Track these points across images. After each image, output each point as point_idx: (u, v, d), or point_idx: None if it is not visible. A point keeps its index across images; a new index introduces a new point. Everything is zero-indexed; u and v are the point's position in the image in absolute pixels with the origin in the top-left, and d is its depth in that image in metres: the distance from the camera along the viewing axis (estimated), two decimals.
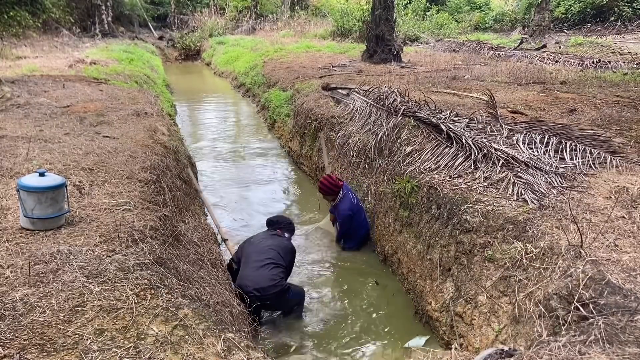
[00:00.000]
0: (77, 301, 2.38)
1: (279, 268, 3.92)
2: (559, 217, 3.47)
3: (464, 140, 4.96)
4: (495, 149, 4.68)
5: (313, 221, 6.19)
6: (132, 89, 9.33)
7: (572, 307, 2.64)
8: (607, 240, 3.12)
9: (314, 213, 6.39)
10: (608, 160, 4.48)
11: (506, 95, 8.06)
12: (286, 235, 4.39)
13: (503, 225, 3.59)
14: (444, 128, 5.30)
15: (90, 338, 2.12)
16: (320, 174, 7.20)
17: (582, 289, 2.69)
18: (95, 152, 4.77)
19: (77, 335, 2.14)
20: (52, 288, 2.47)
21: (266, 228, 4.52)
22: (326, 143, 7.06)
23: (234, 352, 2.22)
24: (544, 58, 13.37)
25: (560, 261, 2.96)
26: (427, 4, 25.51)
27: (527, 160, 4.49)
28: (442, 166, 4.82)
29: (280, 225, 4.43)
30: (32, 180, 3.17)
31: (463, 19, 26.36)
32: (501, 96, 7.82)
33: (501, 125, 5.54)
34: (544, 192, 3.93)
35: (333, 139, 7.01)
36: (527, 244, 3.26)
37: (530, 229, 3.38)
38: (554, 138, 4.99)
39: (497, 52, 15.31)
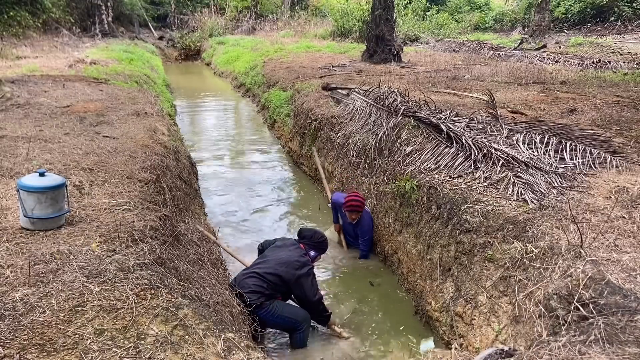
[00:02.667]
0: (77, 301, 2.38)
1: (260, 281, 3.67)
2: (559, 217, 3.47)
3: (464, 140, 4.96)
4: (495, 149, 4.68)
5: (313, 220, 6.20)
6: (132, 89, 9.33)
7: (572, 307, 2.64)
8: (607, 240, 3.12)
9: (314, 212, 6.40)
10: (608, 160, 4.48)
11: (506, 95, 8.06)
12: (312, 253, 4.04)
13: (503, 225, 3.59)
14: (444, 128, 5.30)
15: (90, 338, 2.12)
16: (320, 174, 7.20)
17: (582, 289, 2.69)
18: (95, 152, 4.77)
19: (77, 335, 2.14)
20: (52, 288, 2.47)
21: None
22: (319, 155, 6.75)
23: (234, 352, 2.22)
24: (544, 58, 13.38)
25: (560, 261, 2.96)
26: (427, 4, 25.51)
27: (527, 160, 4.49)
28: (442, 166, 4.82)
29: (305, 240, 4.11)
30: (32, 180, 3.17)
31: (463, 19, 26.37)
32: (501, 96, 7.82)
33: (501, 125, 5.54)
34: (544, 192, 3.93)
35: (333, 139, 7.01)
36: (527, 244, 3.27)
37: (530, 229, 3.38)
38: (554, 138, 4.99)
39: (497, 52, 15.31)
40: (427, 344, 3.78)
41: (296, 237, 4.23)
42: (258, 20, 27.97)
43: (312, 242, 4.10)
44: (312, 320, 3.85)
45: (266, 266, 3.76)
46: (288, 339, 3.81)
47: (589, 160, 4.51)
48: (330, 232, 5.64)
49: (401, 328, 4.12)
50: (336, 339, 3.92)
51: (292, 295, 3.90)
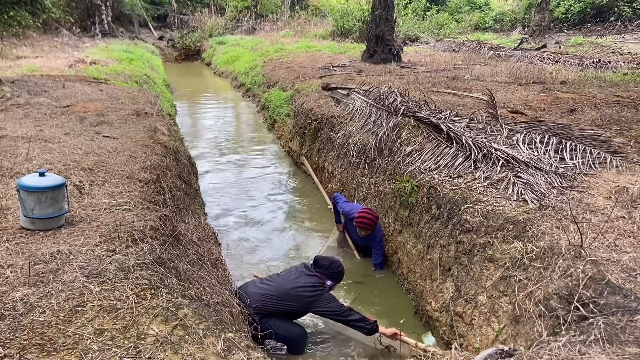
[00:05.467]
0: (77, 301, 2.37)
1: (263, 298, 3.66)
2: (559, 217, 3.47)
3: (464, 140, 4.96)
4: (495, 149, 4.68)
5: (313, 220, 6.20)
6: (132, 89, 9.32)
7: (572, 307, 2.65)
8: (607, 240, 3.12)
9: (313, 212, 6.40)
10: (608, 160, 4.48)
11: (506, 95, 8.06)
12: (328, 283, 3.91)
13: (503, 225, 3.59)
14: (444, 128, 5.30)
15: (90, 338, 2.12)
16: (320, 174, 7.21)
17: (582, 288, 2.69)
18: (95, 152, 4.77)
19: (77, 335, 2.14)
20: (52, 288, 2.47)
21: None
22: (319, 155, 6.87)
23: (234, 352, 2.22)
24: (544, 58, 13.38)
25: (560, 261, 2.96)
26: (427, 4, 25.51)
27: (527, 160, 4.49)
28: (442, 166, 4.82)
29: (322, 269, 3.92)
30: (32, 180, 3.17)
31: (463, 19, 26.37)
32: (501, 96, 7.83)
33: (501, 125, 5.54)
34: (544, 192, 3.93)
35: (333, 139, 7.01)
36: (527, 244, 3.27)
37: (530, 228, 3.38)
38: (554, 138, 4.99)
39: (497, 52, 15.31)
40: (428, 339, 3.80)
41: (311, 263, 4.05)
42: (258, 20, 27.97)
43: (329, 272, 3.94)
44: (371, 334, 3.74)
45: (276, 289, 3.73)
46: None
47: (589, 160, 4.51)
48: (334, 240, 5.54)
49: (401, 326, 4.11)
50: (333, 339, 3.91)
51: (320, 316, 3.86)
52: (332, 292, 3.89)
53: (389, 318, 4.24)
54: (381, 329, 3.72)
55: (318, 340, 3.94)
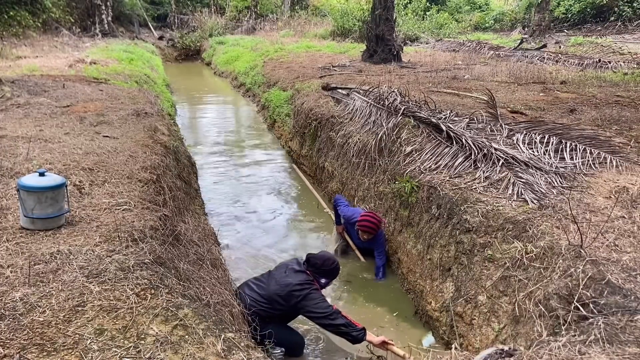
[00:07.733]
0: (77, 301, 2.37)
1: (257, 302, 3.64)
2: (559, 217, 3.47)
3: (464, 140, 4.96)
4: (495, 149, 4.68)
5: (312, 219, 6.20)
6: (132, 89, 9.32)
7: (572, 307, 2.65)
8: (607, 240, 3.12)
9: (313, 212, 6.40)
10: (608, 160, 4.48)
11: (506, 95, 8.06)
12: (322, 281, 3.79)
13: (503, 225, 3.59)
14: (444, 128, 5.30)
15: (90, 338, 2.12)
16: (320, 174, 7.21)
17: (582, 288, 2.69)
18: (95, 152, 4.77)
19: (77, 335, 2.14)
20: (52, 288, 2.46)
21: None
22: (319, 155, 6.88)
23: (234, 351, 2.22)
24: (544, 58, 13.38)
25: (560, 261, 2.96)
26: (427, 3, 25.52)
27: (527, 160, 4.49)
28: (442, 166, 4.82)
29: (314, 268, 3.77)
30: (32, 180, 3.16)
31: (463, 19, 26.40)
32: (501, 96, 7.83)
33: (501, 125, 5.54)
34: (544, 192, 3.93)
35: (333, 139, 7.01)
36: (527, 244, 3.27)
37: (530, 228, 3.38)
38: (554, 138, 4.99)
39: (497, 52, 15.32)
40: (428, 339, 3.79)
41: (303, 259, 3.91)
42: (258, 20, 27.99)
43: (322, 270, 3.79)
44: (357, 342, 3.56)
45: (266, 292, 3.68)
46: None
47: (589, 160, 4.51)
48: (335, 245, 5.45)
49: (400, 327, 4.12)
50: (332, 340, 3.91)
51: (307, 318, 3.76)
52: (326, 292, 3.85)
53: (387, 316, 4.24)
54: (370, 337, 3.49)
55: (316, 345, 3.94)
